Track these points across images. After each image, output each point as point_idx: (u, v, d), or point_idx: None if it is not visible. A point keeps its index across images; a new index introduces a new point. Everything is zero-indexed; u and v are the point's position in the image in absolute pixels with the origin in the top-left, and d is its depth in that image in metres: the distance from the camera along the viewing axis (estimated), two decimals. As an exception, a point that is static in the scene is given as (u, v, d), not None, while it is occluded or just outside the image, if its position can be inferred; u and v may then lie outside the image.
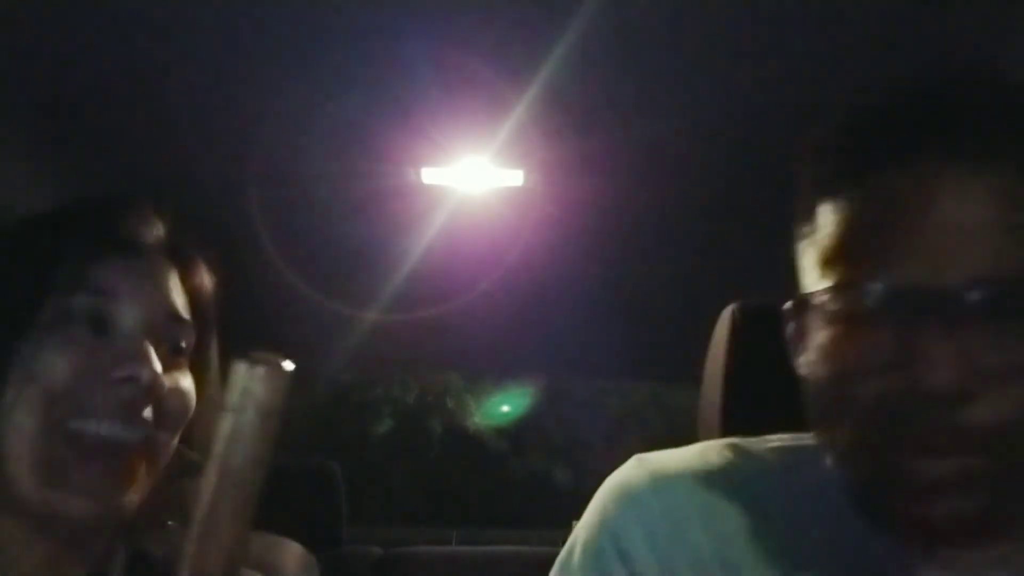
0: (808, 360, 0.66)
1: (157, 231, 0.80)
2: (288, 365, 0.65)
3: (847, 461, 0.65)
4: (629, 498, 0.73)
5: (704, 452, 0.75)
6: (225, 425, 0.63)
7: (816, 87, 1.25)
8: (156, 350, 0.74)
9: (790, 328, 0.68)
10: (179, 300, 0.79)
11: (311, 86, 1.24)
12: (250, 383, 0.64)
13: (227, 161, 1.45)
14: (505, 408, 8.12)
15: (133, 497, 0.72)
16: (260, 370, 0.64)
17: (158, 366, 0.72)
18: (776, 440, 0.75)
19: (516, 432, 8.44)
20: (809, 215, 0.68)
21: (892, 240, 0.60)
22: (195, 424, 0.80)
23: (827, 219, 0.65)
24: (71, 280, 0.73)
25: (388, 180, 1.54)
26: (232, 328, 0.97)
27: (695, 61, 1.18)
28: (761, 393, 1.04)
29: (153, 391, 0.72)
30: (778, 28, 1.10)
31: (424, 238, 1.74)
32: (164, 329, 0.76)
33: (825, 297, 0.63)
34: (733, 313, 1.10)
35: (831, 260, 0.64)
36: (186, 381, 0.78)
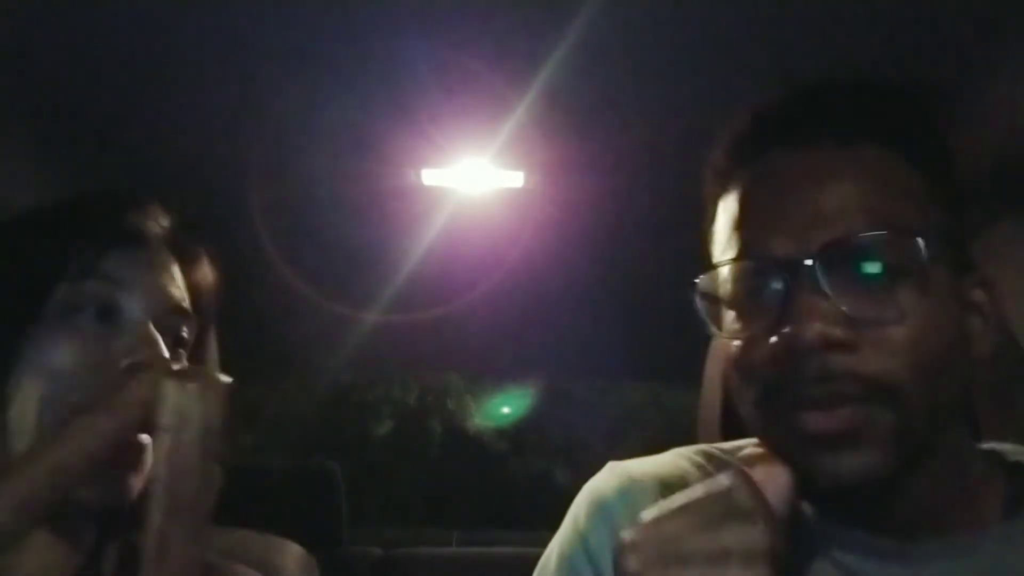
0: (718, 341, 0.72)
1: (162, 224, 0.81)
2: (224, 379, 0.65)
3: (758, 431, 0.69)
4: (598, 504, 0.76)
5: (675, 459, 0.79)
6: (162, 446, 0.62)
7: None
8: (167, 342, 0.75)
9: (702, 309, 0.74)
10: (181, 293, 0.80)
11: (311, 87, 1.24)
12: (184, 402, 0.62)
13: (227, 161, 1.45)
14: (505, 409, 8.12)
15: (133, 491, 0.72)
16: (193, 387, 0.63)
17: (166, 353, 0.73)
18: (748, 444, 0.77)
19: (516, 433, 8.44)
20: (713, 205, 0.77)
21: (768, 216, 0.67)
22: None
23: (722, 206, 0.74)
24: (82, 268, 0.74)
25: (388, 181, 1.54)
26: (233, 328, 0.97)
27: (695, 61, 1.18)
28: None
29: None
30: (778, 29, 1.10)
31: (424, 239, 1.74)
32: (167, 320, 0.77)
33: (715, 277, 0.71)
34: (733, 314, 1.09)
35: (727, 238, 0.72)
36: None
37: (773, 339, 0.63)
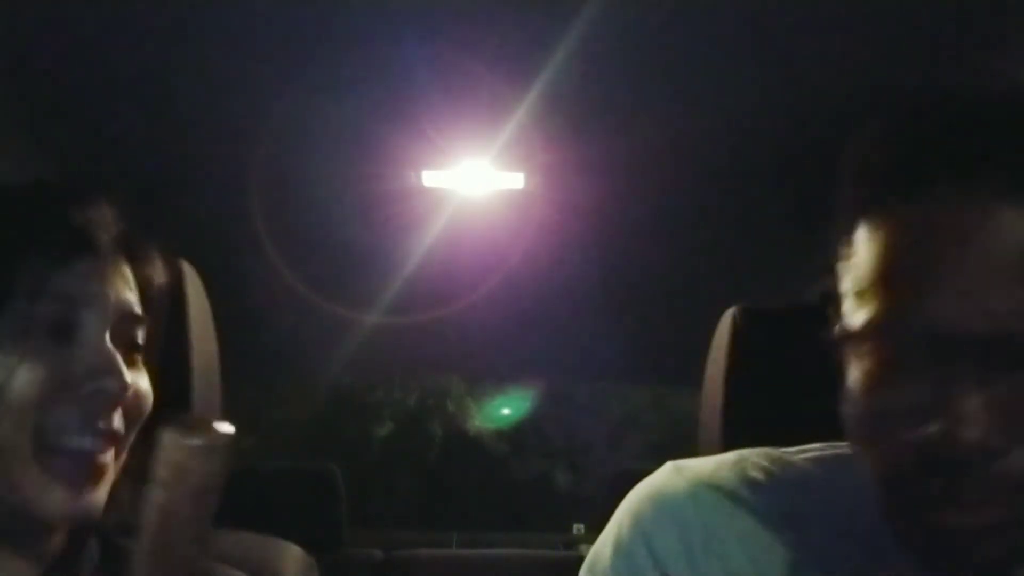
0: (848, 385, 0.63)
1: (112, 228, 0.79)
2: (227, 429, 0.60)
3: (881, 491, 0.63)
4: (666, 506, 0.72)
5: (741, 463, 0.74)
6: (155, 500, 0.58)
7: (817, 90, 1.25)
8: (121, 353, 0.73)
9: (832, 346, 0.64)
10: (134, 296, 0.77)
11: (312, 89, 1.24)
12: (183, 457, 0.58)
13: (228, 164, 1.45)
14: (506, 411, 8.12)
15: (97, 503, 0.71)
16: (195, 442, 0.58)
17: (127, 375, 0.71)
18: (814, 450, 0.74)
19: (516, 435, 8.44)
20: (848, 236, 0.64)
21: (926, 275, 0.56)
22: (150, 422, 0.79)
23: (864, 244, 0.62)
24: (32, 287, 0.70)
25: (389, 183, 1.54)
26: (233, 331, 0.97)
27: (695, 63, 1.18)
28: (762, 396, 1.04)
29: (123, 396, 0.71)
30: (779, 30, 1.10)
31: (425, 241, 1.74)
32: (122, 327, 0.74)
33: (859, 331, 0.60)
34: (734, 316, 1.10)
35: (866, 290, 0.61)
36: (143, 380, 0.76)
37: (923, 424, 0.56)
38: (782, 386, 1.02)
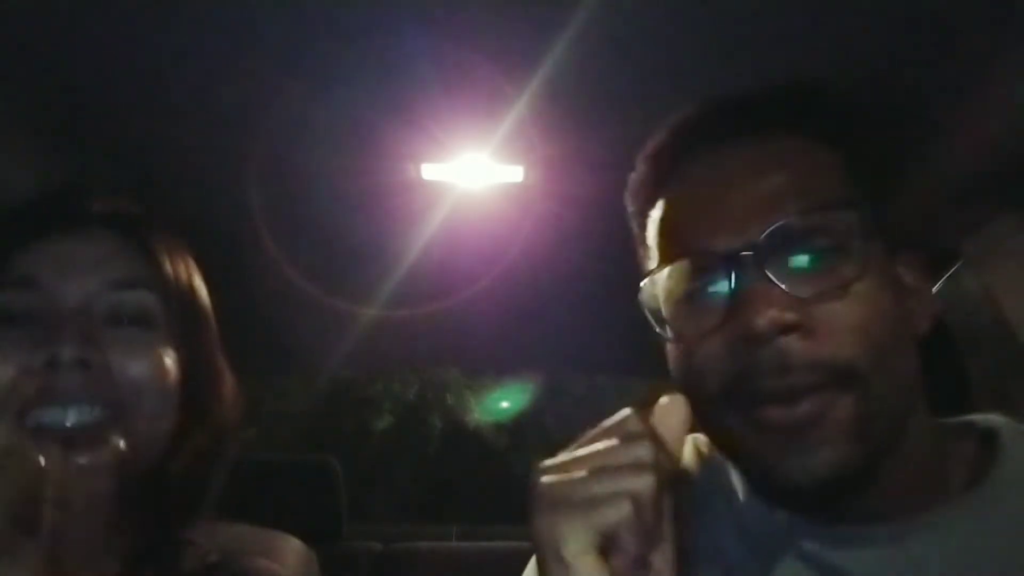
0: (667, 344, 0.73)
1: (97, 206, 0.78)
2: (119, 446, 0.65)
3: (710, 431, 0.70)
4: None
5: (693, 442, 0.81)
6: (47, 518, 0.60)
7: (817, 81, 1.24)
8: (104, 323, 0.72)
9: (650, 316, 0.75)
10: (133, 270, 0.76)
11: (310, 82, 1.24)
12: (67, 477, 0.61)
13: (226, 157, 1.44)
14: (505, 404, 8.12)
15: (113, 468, 0.70)
16: (80, 461, 0.62)
17: (84, 342, 0.70)
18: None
19: (516, 427, 8.45)
20: (643, 217, 0.77)
21: (700, 218, 0.69)
22: (193, 397, 0.78)
23: (656, 213, 0.75)
24: None
25: (388, 176, 1.53)
26: (232, 323, 0.97)
27: (696, 56, 1.18)
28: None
29: (85, 365, 0.70)
30: (779, 25, 1.10)
31: (424, 234, 1.74)
32: (110, 299, 0.74)
33: (655, 283, 0.72)
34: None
35: (654, 251, 0.74)
36: (152, 348, 0.75)
37: (723, 333, 0.64)
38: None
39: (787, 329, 0.62)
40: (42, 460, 0.67)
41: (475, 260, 1.85)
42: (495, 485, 8.09)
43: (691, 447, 0.82)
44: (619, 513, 0.55)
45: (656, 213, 0.75)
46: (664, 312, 0.72)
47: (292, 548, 1.34)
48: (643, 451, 0.58)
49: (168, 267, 0.80)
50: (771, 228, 0.64)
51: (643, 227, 0.77)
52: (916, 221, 1.25)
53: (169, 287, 0.80)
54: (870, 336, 0.62)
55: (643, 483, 0.56)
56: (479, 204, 1.65)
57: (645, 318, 0.76)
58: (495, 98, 1.27)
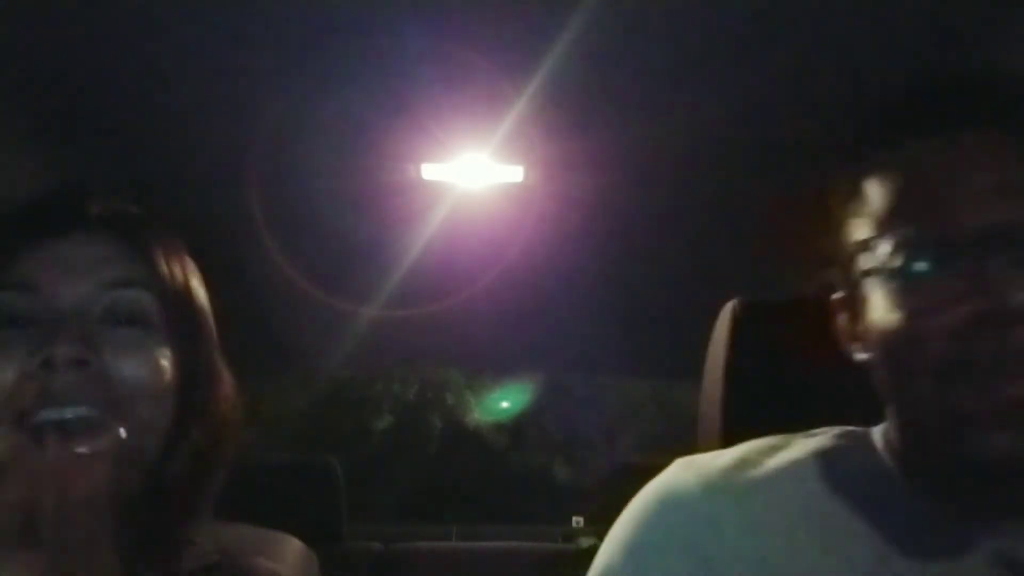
0: (871, 322, 0.70)
1: (95, 207, 0.78)
2: (123, 435, 0.66)
3: (920, 413, 0.67)
4: (676, 503, 0.72)
5: (746, 454, 0.75)
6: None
7: (816, 86, 1.25)
8: (92, 325, 0.72)
9: (838, 302, 0.73)
10: (129, 270, 0.76)
11: (311, 82, 1.24)
12: (42, 470, 0.62)
13: (227, 157, 1.44)
14: (505, 404, 8.13)
15: (101, 470, 0.70)
16: (57, 455, 0.62)
17: (78, 342, 0.70)
18: (820, 434, 0.76)
19: (515, 428, 8.45)
20: (853, 191, 0.74)
21: (946, 192, 0.67)
22: (190, 398, 0.78)
23: (877, 187, 0.71)
24: None
25: (388, 176, 1.53)
26: (232, 323, 0.97)
27: (696, 58, 1.18)
28: (762, 389, 1.04)
29: (82, 366, 0.70)
30: (779, 27, 1.10)
31: (424, 234, 1.74)
32: (106, 299, 0.74)
33: (885, 255, 0.69)
34: (734, 309, 1.10)
35: (885, 223, 0.70)
36: (149, 349, 0.75)
37: (966, 307, 0.63)
38: (782, 379, 1.02)
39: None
40: (44, 458, 0.68)
41: (475, 260, 1.85)
42: (495, 485, 8.09)
43: (734, 458, 0.77)
44: None
45: (882, 179, 0.72)
46: (876, 283, 0.70)
47: (292, 548, 1.34)
48: None
49: (165, 267, 0.80)
50: (1020, 213, 0.64)
51: (843, 202, 0.75)
52: None
53: (166, 287, 0.79)
54: None
55: None
56: (479, 204, 1.64)
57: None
58: (495, 98, 1.27)
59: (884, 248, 0.69)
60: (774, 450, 0.75)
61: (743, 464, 0.74)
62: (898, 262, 0.68)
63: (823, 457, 0.74)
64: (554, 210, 1.64)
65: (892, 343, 0.68)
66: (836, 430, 0.76)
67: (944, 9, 1.05)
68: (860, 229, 0.73)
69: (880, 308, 0.69)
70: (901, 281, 0.68)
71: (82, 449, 0.69)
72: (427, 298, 1.99)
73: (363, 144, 1.44)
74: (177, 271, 0.81)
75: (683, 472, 0.75)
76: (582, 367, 3.08)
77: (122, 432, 0.71)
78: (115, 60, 1.18)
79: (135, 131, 1.37)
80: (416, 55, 1.18)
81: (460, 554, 2.71)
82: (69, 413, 0.69)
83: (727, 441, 0.78)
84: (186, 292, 0.82)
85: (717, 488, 0.72)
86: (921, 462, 0.71)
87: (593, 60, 1.18)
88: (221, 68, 1.21)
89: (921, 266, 0.67)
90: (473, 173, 1.54)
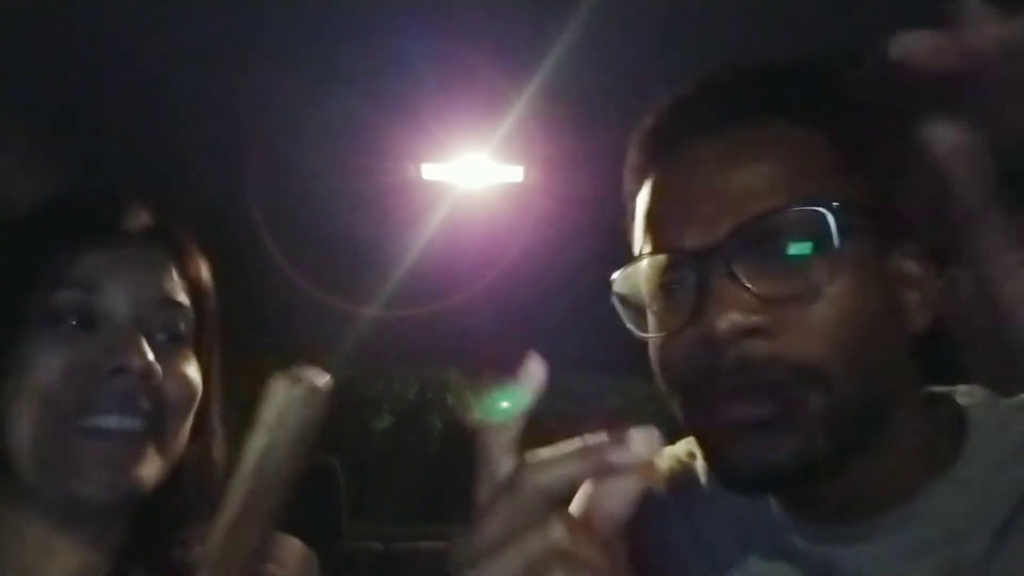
0: (643, 334, 0.71)
1: (142, 220, 0.80)
2: (326, 383, 0.68)
3: (685, 423, 0.69)
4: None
5: (677, 452, 0.82)
6: (258, 441, 0.63)
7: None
8: (150, 338, 0.74)
9: (621, 310, 0.74)
10: (173, 286, 0.79)
11: (311, 82, 1.24)
12: (288, 403, 0.64)
13: (227, 157, 1.44)
14: (505, 404, 8.12)
15: (143, 480, 0.73)
16: (299, 391, 0.65)
17: (149, 354, 0.72)
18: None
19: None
20: (632, 204, 0.76)
21: (674, 211, 0.67)
22: (203, 412, 0.81)
23: (639, 202, 0.73)
24: (54, 276, 0.73)
25: (388, 176, 1.53)
26: (233, 324, 0.97)
27: (696, 56, 1.18)
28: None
29: (147, 379, 0.72)
30: (778, 26, 1.10)
31: (424, 234, 1.74)
32: (157, 315, 0.76)
33: (631, 275, 0.70)
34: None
35: (637, 240, 0.72)
36: (188, 366, 0.78)
37: (689, 332, 0.62)
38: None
39: (749, 332, 0.60)
40: (92, 458, 0.70)
41: (475, 260, 1.85)
42: (495, 485, 8.09)
43: (683, 449, 0.82)
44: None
45: (639, 201, 0.73)
46: (636, 309, 0.71)
47: (291, 548, 1.34)
48: (552, 523, 0.49)
49: (202, 284, 0.83)
50: (738, 226, 0.61)
51: (632, 214, 0.75)
52: (919, 211, 1.25)
53: (204, 305, 0.82)
54: (841, 338, 0.60)
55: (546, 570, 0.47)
56: (479, 204, 1.65)
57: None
58: (495, 98, 1.27)
59: (637, 271, 0.70)
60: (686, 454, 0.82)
61: (672, 463, 0.81)
62: (646, 287, 0.69)
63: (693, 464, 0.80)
64: (554, 210, 1.64)
65: (654, 366, 0.69)
66: None
67: (947, 10, 1.05)
68: (635, 243, 0.74)
69: (639, 332, 0.71)
70: (649, 305, 0.69)
71: (126, 475, 0.71)
72: (427, 298, 1.99)
73: (363, 144, 1.44)
74: (209, 288, 0.84)
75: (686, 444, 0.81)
76: (583, 366, 3.08)
77: (158, 444, 0.74)
78: (116, 61, 1.18)
79: (135, 131, 1.37)
80: (416, 55, 1.18)
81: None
82: (127, 421, 0.71)
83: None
84: (215, 309, 0.85)
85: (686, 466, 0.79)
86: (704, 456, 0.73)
87: (593, 60, 1.18)
88: (221, 68, 1.21)
89: (659, 289, 0.68)
90: (473, 173, 1.54)
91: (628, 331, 0.73)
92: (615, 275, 0.72)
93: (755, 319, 0.60)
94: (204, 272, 0.84)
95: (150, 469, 0.73)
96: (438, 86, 1.26)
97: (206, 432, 0.82)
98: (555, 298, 2.03)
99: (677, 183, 0.68)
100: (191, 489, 0.79)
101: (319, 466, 2.59)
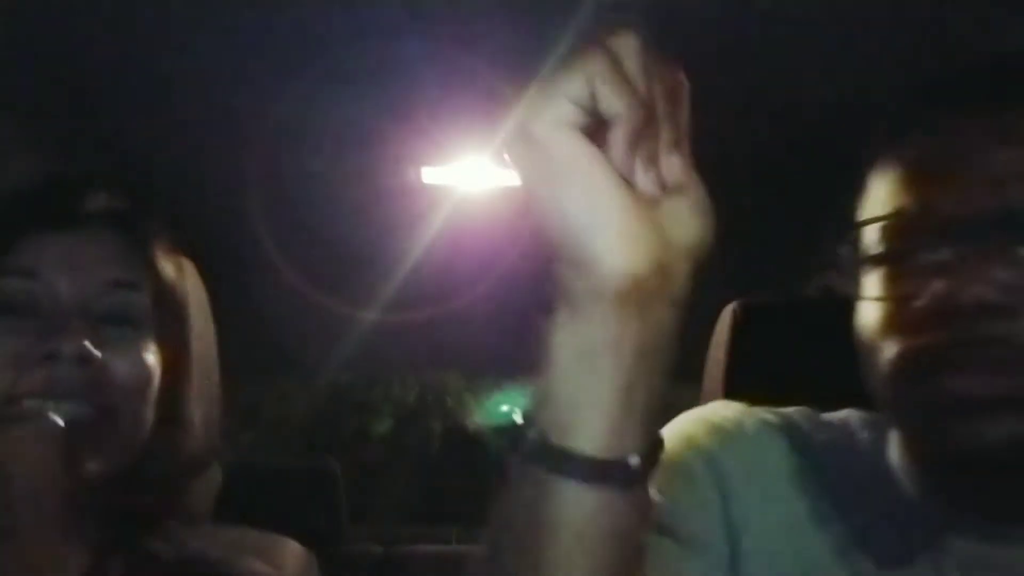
0: (864, 296, 0.68)
1: (100, 203, 0.79)
2: (54, 423, 0.66)
3: (895, 392, 0.66)
4: (727, 431, 0.74)
5: (780, 411, 0.77)
6: None
7: (815, 88, 1.25)
8: (99, 322, 0.72)
9: (846, 267, 0.71)
10: (128, 269, 0.77)
11: (311, 86, 1.24)
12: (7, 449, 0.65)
13: (227, 161, 1.45)
14: (505, 407, 8.12)
15: (94, 467, 0.71)
16: (16, 433, 0.65)
17: (84, 339, 0.70)
18: (843, 413, 0.76)
19: (516, 431, 8.44)
20: (873, 165, 0.72)
21: (937, 180, 0.65)
22: (173, 397, 0.79)
23: (883, 182, 0.70)
24: None
25: (388, 180, 1.54)
26: (232, 327, 0.97)
27: (696, 60, 1.18)
28: (761, 390, 1.04)
29: (85, 363, 0.70)
30: (778, 29, 1.10)
31: (424, 237, 1.74)
32: (105, 299, 0.74)
33: (866, 235, 0.68)
34: (734, 311, 1.10)
35: (884, 201, 0.69)
36: (141, 350, 0.76)
37: (930, 297, 0.61)
38: (782, 380, 1.02)
39: (996, 308, 0.60)
40: (37, 448, 0.68)
41: (475, 263, 1.85)
42: (495, 488, 8.08)
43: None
44: (589, 69, 0.46)
45: (889, 165, 0.70)
46: (861, 267, 0.69)
47: (291, 551, 1.34)
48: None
49: (161, 269, 0.80)
50: (1004, 205, 0.61)
51: (869, 176, 0.73)
52: None
53: (164, 289, 0.80)
54: None
55: (619, 39, 0.46)
56: (479, 207, 1.65)
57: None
58: (495, 102, 1.27)
59: (872, 235, 0.68)
60: (808, 416, 0.76)
61: (775, 414, 0.76)
62: (883, 247, 0.67)
63: (830, 432, 0.75)
64: (554, 213, 1.64)
65: (865, 333, 0.67)
66: (859, 414, 0.76)
67: (948, 11, 1.05)
68: (859, 214, 0.72)
69: (873, 281, 0.68)
70: (879, 268, 0.67)
71: (73, 444, 0.69)
72: (427, 301, 1.99)
73: (363, 148, 1.44)
74: (172, 272, 0.82)
75: (731, 408, 0.77)
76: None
77: (109, 431, 0.72)
78: (116, 64, 1.18)
79: (134, 136, 1.37)
80: (416, 59, 1.18)
81: (460, 557, 2.70)
82: (68, 407, 0.70)
83: None
84: (180, 294, 0.83)
85: (753, 421, 0.74)
86: (908, 456, 0.70)
87: (592, 63, 1.18)
88: (221, 72, 1.21)
89: (899, 253, 0.66)
90: (473, 176, 1.54)
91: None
92: (849, 233, 0.70)
93: (998, 299, 0.59)
94: (172, 258, 0.82)
95: (96, 458, 0.71)
96: (438, 90, 1.26)
97: (175, 420, 0.80)
98: (555, 302, 2.03)
99: (937, 157, 0.67)
100: (157, 478, 0.77)
101: (319, 469, 2.58)
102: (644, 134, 0.48)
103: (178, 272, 0.83)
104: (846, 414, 0.77)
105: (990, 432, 0.60)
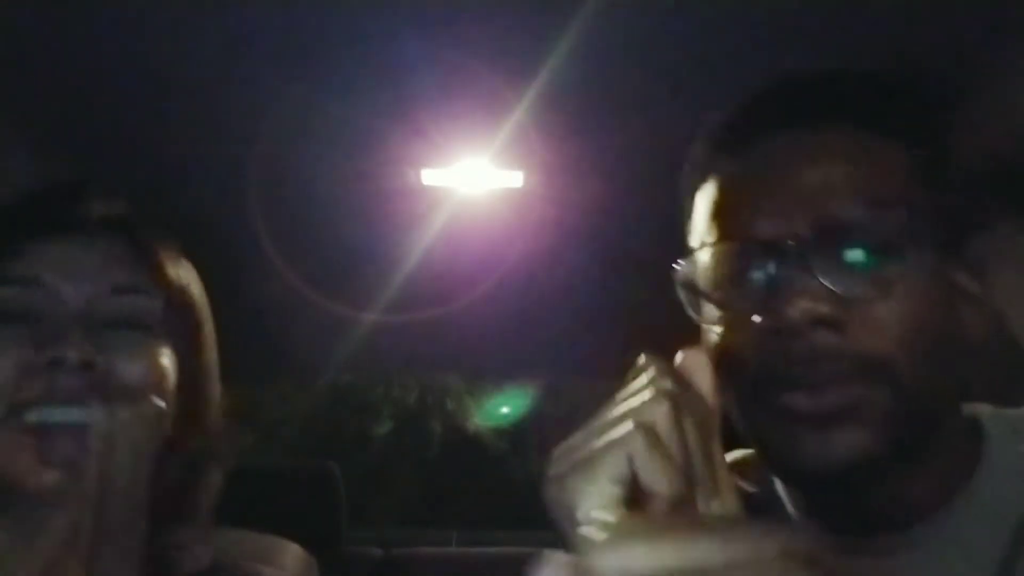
0: (704, 320, 0.71)
1: (100, 209, 0.79)
2: (157, 404, 0.68)
3: (743, 412, 0.68)
4: None
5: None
6: (92, 471, 0.64)
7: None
8: (104, 328, 0.73)
9: (684, 298, 0.73)
10: (131, 274, 0.77)
11: (310, 87, 1.24)
12: (112, 428, 0.65)
13: (226, 162, 1.45)
14: (505, 409, 8.12)
15: (96, 471, 0.70)
16: (123, 413, 0.66)
17: (83, 344, 0.71)
18: None
19: (515, 433, 8.44)
20: (693, 193, 0.76)
21: (749, 203, 0.67)
22: (188, 400, 0.79)
23: (707, 191, 0.73)
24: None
25: (388, 182, 1.54)
26: (232, 328, 0.97)
27: (696, 61, 1.18)
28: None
29: (88, 369, 0.71)
30: (779, 29, 1.10)
31: (424, 239, 1.74)
32: (110, 304, 0.75)
33: (695, 264, 0.71)
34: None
35: (700, 231, 0.72)
36: (150, 355, 0.76)
37: (757, 319, 0.63)
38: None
39: (820, 322, 0.61)
40: (43, 456, 0.68)
41: (475, 265, 1.85)
42: (495, 490, 8.07)
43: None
44: (629, 448, 0.49)
45: (707, 191, 0.73)
46: (698, 297, 0.71)
47: (291, 553, 1.34)
48: (651, 380, 0.53)
49: (166, 272, 0.81)
50: (818, 220, 0.63)
51: (690, 209, 0.75)
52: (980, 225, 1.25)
53: (170, 292, 0.80)
54: (909, 338, 0.61)
55: (654, 410, 0.51)
56: (479, 209, 1.65)
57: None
58: (495, 103, 1.27)
59: (702, 257, 0.70)
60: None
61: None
62: (711, 275, 0.69)
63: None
64: (554, 215, 1.64)
65: (711, 359, 0.66)
66: None
67: (948, 11, 1.05)
68: (691, 237, 0.75)
69: (702, 320, 0.71)
70: (713, 295, 0.69)
71: (81, 450, 0.69)
72: (427, 303, 1.99)
73: (363, 149, 1.44)
74: (178, 275, 0.82)
75: None
76: (582, 372, 3.08)
77: (119, 436, 0.71)
78: (115, 65, 1.18)
79: (134, 138, 1.37)
80: (416, 61, 1.18)
81: (460, 559, 2.70)
82: (73, 414, 0.70)
83: (726, 447, 0.79)
84: (187, 296, 0.83)
85: None
86: (755, 444, 0.71)
87: (593, 65, 1.18)
88: (221, 74, 1.21)
89: (727, 279, 0.68)
90: (473, 178, 1.54)
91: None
92: (679, 263, 0.72)
93: (825, 310, 0.61)
94: (176, 262, 0.83)
95: (105, 465, 0.71)
96: (438, 91, 1.26)
97: (193, 422, 0.80)
98: (555, 304, 2.03)
99: (751, 177, 0.69)
100: (172, 482, 0.78)
101: (319, 471, 2.58)
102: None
103: (186, 275, 0.84)
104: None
105: (829, 447, 0.61)
